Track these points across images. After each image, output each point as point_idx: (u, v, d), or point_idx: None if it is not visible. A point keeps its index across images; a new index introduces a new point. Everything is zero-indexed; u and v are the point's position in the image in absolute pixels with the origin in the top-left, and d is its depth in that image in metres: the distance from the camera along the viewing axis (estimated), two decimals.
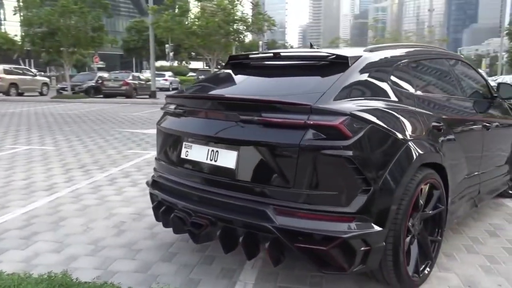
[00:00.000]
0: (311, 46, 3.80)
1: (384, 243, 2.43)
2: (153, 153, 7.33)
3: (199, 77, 35.12)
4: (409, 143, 2.55)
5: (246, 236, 2.46)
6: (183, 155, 2.83)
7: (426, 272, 2.78)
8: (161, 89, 27.00)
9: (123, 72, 26.78)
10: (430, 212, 2.79)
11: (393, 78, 2.84)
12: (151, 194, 3.11)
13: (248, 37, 22.55)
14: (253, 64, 3.29)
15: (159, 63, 33.76)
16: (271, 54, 3.13)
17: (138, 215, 4.13)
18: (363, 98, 2.57)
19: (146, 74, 31.29)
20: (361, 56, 2.79)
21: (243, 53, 3.47)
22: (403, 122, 2.59)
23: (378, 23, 73.70)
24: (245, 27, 20.67)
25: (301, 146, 2.30)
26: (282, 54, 3.07)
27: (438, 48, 4.03)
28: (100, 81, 23.25)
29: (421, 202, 2.68)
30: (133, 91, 22.55)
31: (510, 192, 4.67)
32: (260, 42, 42.18)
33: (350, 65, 2.68)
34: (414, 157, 2.54)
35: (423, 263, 2.77)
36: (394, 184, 2.42)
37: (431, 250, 2.83)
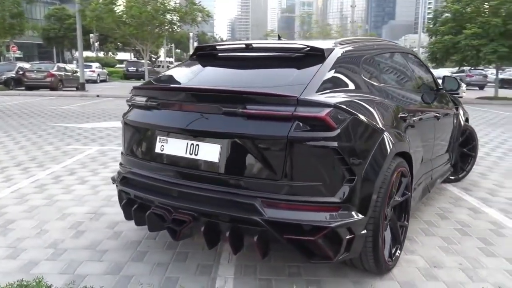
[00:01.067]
0: (279, 38, 3.80)
1: (365, 231, 2.51)
2: (95, 148, 6.98)
3: (128, 68, 33.88)
4: (385, 133, 2.66)
5: (232, 231, 2.43)
6: (157, 150, 2.72)
7: (397, 255, 2.92)
8: (88, 81, 25.62)
9: (47, 63, 25.08)
10: (399, 199, 2.93)
11: (364, 71, 2.93)
12: (120, 192, 2.96)
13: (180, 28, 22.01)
14: (223, 56, 3.22)
15: (84, 54, 31.82)
16: (243, 46, 3.09)
17: (94, 214, 3.92)
18: (341, 90, 2.62)
19: (70, 65, 29.57)
20: (334, 49, 2.85)
21: (210, 43, 3.38)
22: (378, 113, 2.68)
23: (309, 17, 75.59)
24: (178, 18, 20.23)
25: (289, 138, 2.30)
26: (254, 45, 3.04)
27: (391, 42, 4.22)
28: (21, 72, 21.58)
29: (393, 190, 2.80)
30: (59, 83, 21.20)
31: (451, 177, 5.04)
32: (191, 34, 41.45)
33: (326, 57, 2.72)
34: (390, 146, 2.65)
35: (394, 247, 2.91)
36: (375, 173, 2.51)
37: (400, 235, 2.98)
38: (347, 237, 2.38)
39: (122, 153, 3.10)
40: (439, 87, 4.47)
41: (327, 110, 2.35)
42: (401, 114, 3.00)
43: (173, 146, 2.64)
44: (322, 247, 2.34)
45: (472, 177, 5.41)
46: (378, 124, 2.61)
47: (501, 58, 17.71)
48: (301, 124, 2.32)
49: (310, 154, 2.33)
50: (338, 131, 2.34)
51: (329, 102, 2.39)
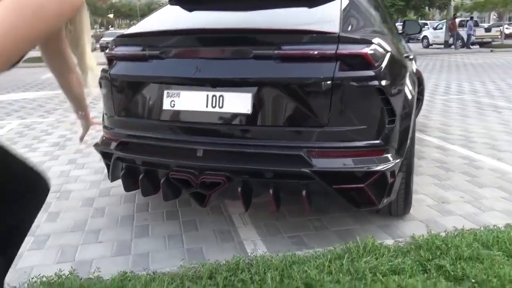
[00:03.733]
0: None
1: (402, 172, 2.45)
2: (16, 122, 6.10)
3: None
4: (409, 71, 2.57)
5: (276, 188, 2.20)
6: (166, 107, 2.34)
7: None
8: None
9: None
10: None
11: (374, 10, 2.79)
12: (117, 160, 2.53)
13: None
14: None
15: None
16: None
17: (59, 193, 3.38)
18: (367, 27, 2.46)
19: None
20: None
21: None
22: (402, 51, 2.58)
23: None
24: None
25: (334, 79, 2.10)
26: None
27: None
28: None
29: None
30: None
31: None
32: None
33: None
34: (415, 86, 2.58)
35: None
36: (409, 112, 2.43)
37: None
38: (391, 180, 2.29)
39: (106, 114, 2.64)
40: (401, 31, 4.52)
41: (368, 46, 2.17)
42: (406, 55, 2.94)
43: (188, 101, 2.29)
44: (370, 193, 2.23)
45: (419, 119, 5.69)
46: (405, 62, 2.51)
47: (398, 11, 18.92)
48: (344, 63, 2.12)
49: (355, 96, 2.16)
50: (379, 68, 2.19)
51: (368, 38, 2.22)
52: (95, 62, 1.29)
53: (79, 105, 1.63)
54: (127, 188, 2.55)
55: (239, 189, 2.22)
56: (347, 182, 2.18)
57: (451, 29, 23.10)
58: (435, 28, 25.26)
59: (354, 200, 2.25)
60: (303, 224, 2.75)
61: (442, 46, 23.39)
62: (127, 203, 3.13)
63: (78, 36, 1.15)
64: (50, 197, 3.25)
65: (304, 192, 2.17)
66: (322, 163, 2.13)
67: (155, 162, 2.36)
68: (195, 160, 2.25)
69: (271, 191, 2.18)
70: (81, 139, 1.90)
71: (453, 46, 23.06)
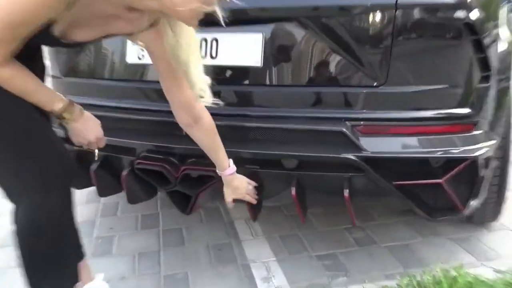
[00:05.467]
0: None
1: (496, 161, 1.83)
2: None
3: None
4: None
5: (301, 184, 1.60)
6: (131, 59, 1.75)
7: None
8: None
9: None
10: None
11: None
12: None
13: None
14: None
15: None
16: None
17: None
18: None
19: None
20: None
21: None
22: None
23: None
24: None
25: (398, 7, 1.47)
26: None
27: None
28: None
29: None
30: None
31: None
32: None
33: None
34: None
35: None
36: (508, 68, 1.79)
37: None
38: (483, 172, 1.66)
39: (52, 76, 2.04)
40: None
41: None
42: None
43: None
44: (451, 193, 1.61)
45: None
46: None
47: None
48: None
49: (429, 36, 1.53)
50: None
51: None
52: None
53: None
54: (78, 185, 1.97)
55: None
56: (415, 176, 1.57)
57: None
58: None
59: (425, 204, 1.64)
60: (339, 236, 2.16)
61: None
62: (89, 204, 2.57)
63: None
64: None
65: (346, 192, 1.56)
66: (375, 145, 1.52)
67: (113, 145, 1.77)
68: (175, 141, 1.65)
69: (293, 191, 1.57)
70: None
71: None
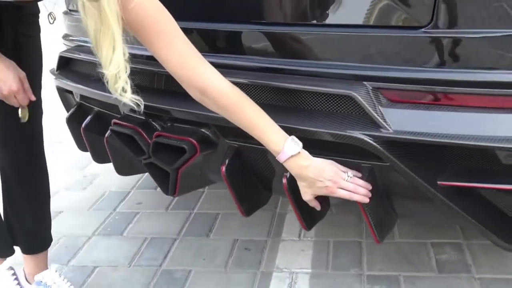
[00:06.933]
0: None
1: None
2: None
3: None
4: None
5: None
6: None
7: None
8: None
9: None
10: None
11: None
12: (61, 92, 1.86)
13: None
14: None
15: None
16: None
17: None
18: None
19: None
20: None
21: None
22: None
23: None
24: None
25: None
26: None
27: None
28: None
29: None
30: None
31: None
32: None
33: None
34: None
35: None
36: None
37: None
38: None
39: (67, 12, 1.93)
40: None
41: None
42: None
43: None
44: None
45: None
46: None
47: None
48: None
49: None
50: None
51: None
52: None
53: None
54: (80, 147, 1.85)
55: (223, 168, 1.31)
56: (475, 176, 1.10)
57: None
58: None
59: (493, 222, 1.15)
60: (416, 253, 1.71)
61: None
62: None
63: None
64: None
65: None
66: (407, 121, 1.09)
67: (90, 97, 1.61)
68: (160, 100, 1.41)
69: (284, 180, 1.22)
70: None
71: None
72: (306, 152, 1.11)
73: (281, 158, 1.10)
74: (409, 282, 1.56)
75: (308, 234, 1.86)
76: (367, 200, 1.13)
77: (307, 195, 1.16)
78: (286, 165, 1.11)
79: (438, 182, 1.10)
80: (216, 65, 1.12)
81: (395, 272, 1.62)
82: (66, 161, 2.58)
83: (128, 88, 1.04)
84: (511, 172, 1.07)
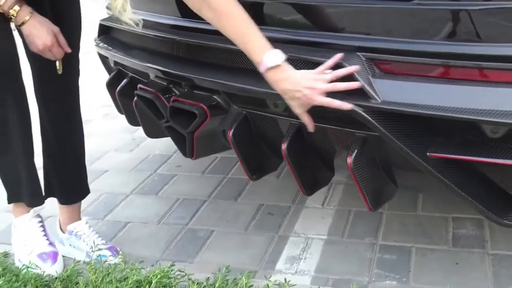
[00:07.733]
0: None
1: None
2: None
3: None
4: None
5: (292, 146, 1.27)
6: None
7: None
8: None
9: None
10: None
11: None
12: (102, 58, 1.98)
13: None
14: None
15: None
16: None
17: None
18: None
19: None
20: None
21: None
22: None
23: None
24: None
25: None
26: None
27: None
28: None
29: None
30: None
31: None
32: None
33: None
34: None
35: None
36: None
37: None
38: None
39: None
40: None
41: None
42: None
43: None
44: None
45: None
46: None
47: None
48: None
49: None
50: None
51: None
52: None
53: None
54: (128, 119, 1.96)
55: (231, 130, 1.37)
56: (464, 149, 1.10)
57: None
58: None
59: (485, 196, 1.15)
60: (432, 226, 1.71)
61: None
62: None
63: None
64: None
65: (350, 159, 1.18)
66: (397, 92, 1.10)
67: (126, 64, 1.71)
68: (180, 66, 1.49)
69: (284, 146, 1.26)
70: None
71: None
72: (288, 66, 1.13)
73: (261, 69, 1.14)
74: (420, 254, 1.57)
75: (332, 203, 1.90)
76: (347, 106, 1.09)
77: (295, 108, 1.17)
78: (267, 78, 1.15)
79: (428, 154, 1.11)
80: None
81: (408, 244, 1.63)
82: (119, 124, 2.72)
83: (128, 7, 1.10)
84: (500, 145, 1.07)
